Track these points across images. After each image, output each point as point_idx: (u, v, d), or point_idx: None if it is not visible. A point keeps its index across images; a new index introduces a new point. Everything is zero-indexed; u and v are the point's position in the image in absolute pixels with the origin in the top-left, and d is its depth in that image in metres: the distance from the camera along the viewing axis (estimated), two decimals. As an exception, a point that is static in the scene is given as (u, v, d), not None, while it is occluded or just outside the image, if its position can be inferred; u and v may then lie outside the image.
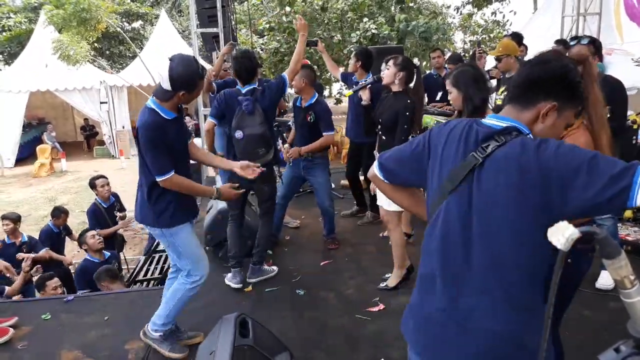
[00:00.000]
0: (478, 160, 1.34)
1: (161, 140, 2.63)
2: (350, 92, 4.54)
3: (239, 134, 3.60)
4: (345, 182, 6.69)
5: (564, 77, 1.38)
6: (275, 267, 4.14)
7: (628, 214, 4.81)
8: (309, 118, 4.24)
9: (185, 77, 2.61)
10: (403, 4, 11.96)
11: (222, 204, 4.39)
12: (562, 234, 0.78)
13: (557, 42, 6.45)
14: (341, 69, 5.95)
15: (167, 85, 2.61)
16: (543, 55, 1.45)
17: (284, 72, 3.79)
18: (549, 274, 1.03)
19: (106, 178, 6.23)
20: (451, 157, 1.42)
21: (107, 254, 5.26)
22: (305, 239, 4.98)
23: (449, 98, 2.94)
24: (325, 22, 12.03)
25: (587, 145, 1.88)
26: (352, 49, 10.64)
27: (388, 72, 3.57)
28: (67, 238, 6.32)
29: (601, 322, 3.08)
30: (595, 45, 3.27)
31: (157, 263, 5.64)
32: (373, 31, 10.82)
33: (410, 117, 3.54)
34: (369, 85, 3.88)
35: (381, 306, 3.53)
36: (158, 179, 2.68)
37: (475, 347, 1.31)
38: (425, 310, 1.44)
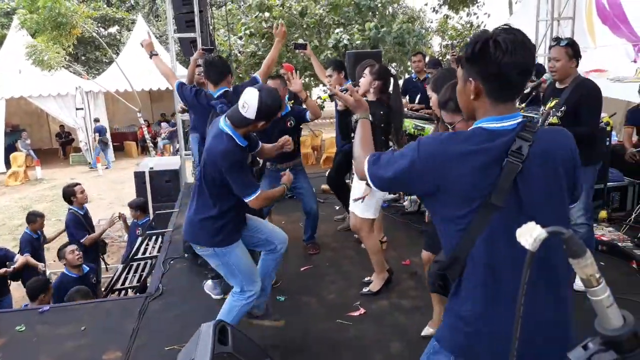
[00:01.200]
0: (518, 166, 1.32)
1: (244, 163, 2.70)
2: (326, 95, 4.54)
3: None
4: (325, 186, 6.71)
5: None
6: None
7: (603, 214, 4.91)
8: (289, 124, 4.20)
9: (272, 109, 2.65)
10: (376, 10, 12.00)
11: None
12: (530, 235, 0.79)
13: None
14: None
15: (251, 114, 2.59)
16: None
17: (255, 74, 3.73)
18: None
19: (80, 184, 6.21)
20: (482, 172, 1.33)
21: (86, 268, 5.18)
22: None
23: (430, 104, 2.97)
24: (304, 27, 12.03)
25: None
26: (330, 57, 10.68)
27: (363, 80, 3.54)
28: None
29: (579, 321, 3.13)
30: (573, 48, 3.31)
31: (135, 271, 5.56)
32: (345, 42, 10.87)
33: (385, 128, 3.53)
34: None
35: (362, 310, 3.53)
36: (247, 200, 2.69)
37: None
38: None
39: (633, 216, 4.77)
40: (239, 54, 11.99)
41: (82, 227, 5.96)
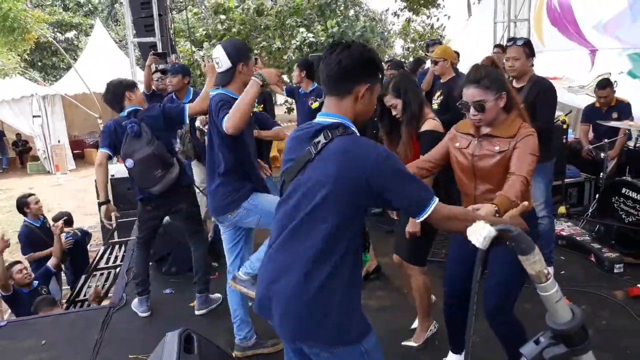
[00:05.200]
0: (311, 155, 1.55)
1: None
2: (316, 104, 4.57)
3: (129, 163, 3.29)
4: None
5: (369, 59, 1.58)
6: (219, 295, 3.85)
7: (562, 210, 5.06)
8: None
9: (241, 46, 2.86)
10: (337, 11, 12.07)
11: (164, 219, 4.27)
12: (480, 233, 0.81)
13: (496, 46, 6.77)
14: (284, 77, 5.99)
15: (227, 65, 2.71)
16: (341, 43, 1.62)
17: (187, 104, 3.40)
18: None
19: (35, 195, 5.90)
20: (296, 153, 1.63)
21: (35, 283, 4.93)
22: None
23: (395, 112, 2.85)
24: (263, 27, 11.89)
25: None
26: (292, 57, 10.65)
27: None
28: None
29: (541, 314, 3.20)
30: (529, 46, 3.43)
31: (98, 281, 5.41)
32: (311, 39, 10.89)
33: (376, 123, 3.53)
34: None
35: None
36: None
37: None
38: None
39: (590, 211, 4.94)
40: (201, 61, 11.78)
41: (38, 240, 5.62)
